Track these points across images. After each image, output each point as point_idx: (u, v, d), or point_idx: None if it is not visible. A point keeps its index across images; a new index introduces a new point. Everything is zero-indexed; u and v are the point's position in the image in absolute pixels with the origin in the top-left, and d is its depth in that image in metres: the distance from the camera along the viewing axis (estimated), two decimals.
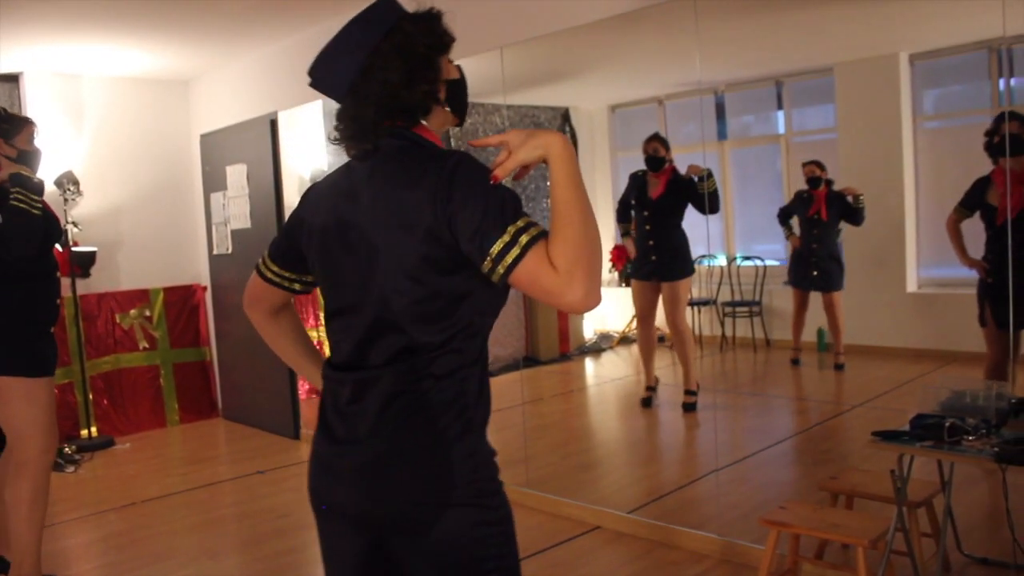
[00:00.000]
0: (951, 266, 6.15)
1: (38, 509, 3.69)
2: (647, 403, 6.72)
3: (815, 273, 7.07)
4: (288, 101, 6.47)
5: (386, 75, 1.70)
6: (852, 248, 5.67)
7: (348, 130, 1.76)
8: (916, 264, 5.76)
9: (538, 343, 8.58)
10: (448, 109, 1.81)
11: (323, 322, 1.85)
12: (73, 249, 6.64)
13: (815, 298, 6.78)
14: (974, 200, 4.79)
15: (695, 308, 8.01)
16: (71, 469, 6.09)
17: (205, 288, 7.64)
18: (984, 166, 4.69)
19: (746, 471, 5.15)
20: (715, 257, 7.99)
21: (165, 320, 7.32)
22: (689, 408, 6.40)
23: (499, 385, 7.83)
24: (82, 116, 7.05)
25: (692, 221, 8.15)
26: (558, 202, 1.57)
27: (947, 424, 3.06)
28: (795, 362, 7.34)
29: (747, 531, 3.96)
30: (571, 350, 8.52)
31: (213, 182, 7.36)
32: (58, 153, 6.83)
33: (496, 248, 1.53)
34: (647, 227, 6.58)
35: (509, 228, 1.54)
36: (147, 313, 7.25)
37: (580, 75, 7.82)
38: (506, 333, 8.40)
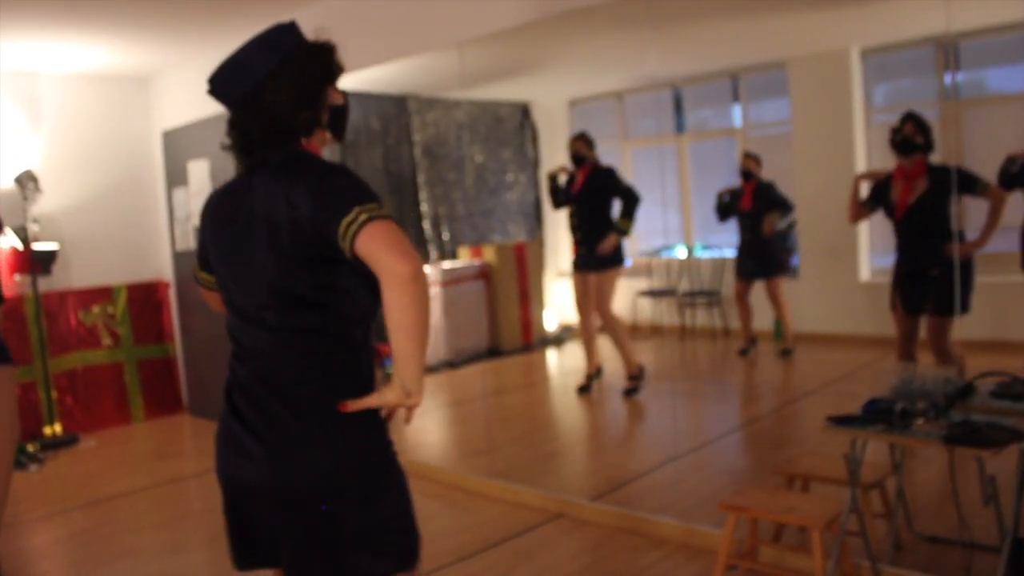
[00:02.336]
0: None
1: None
2: (585, 390, 6.86)
3: (752, 262, 7.25)
4: None
5: (276, 97, 1.91)
6: (807, 238, 5.79)
7: (236, 141, 1.98)
8: (869, 254, 5.89)
9: (501, 334, 8.65)
10: (328, 132, 2.05)
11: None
12: (34, 247, 6.60)
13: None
14: (878, 195, 4.99)
15: (655, 298, 8.12)
16: (35, 467, 6.05)
17: (168, 284, 7.61)
18: (933, 157, 4.81)
19: (705, 458, 5.25)
20: (674, 248, 8.10)
21: (128, 317, 7.30)
22: (631, 392, 6.58)
23: (462, 377, 7.94)
24: (40, 113, 6.99)
25: (651, 213, 8.26)
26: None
27: (898, 408, 3.14)
28: (743, 352, 7.48)
29: (706, 516, 4.05)
30: (533, 341, 8.60)
31: (175, 178, 7.34)
32: (16, 151, 6.78)
33: (344, 223, 1.79)
34: (574, 220, 6.77)
35: (353, 209, 1.79)
36: (110, 310, 7.22)
37: (539, 70, 7.86)
38: (469, 325, 8.46)
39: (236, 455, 1.97)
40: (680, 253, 8.11)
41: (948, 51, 5.69)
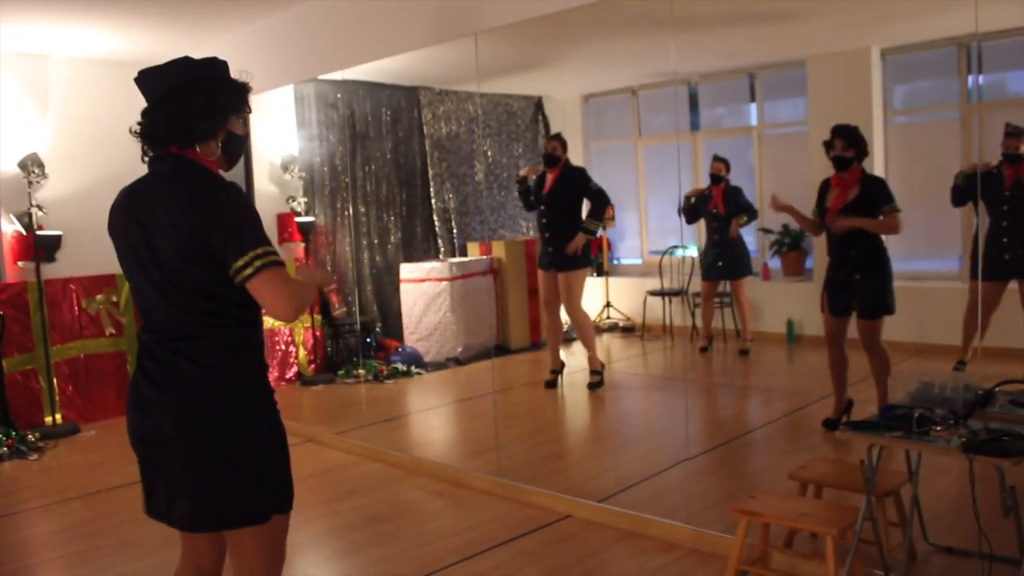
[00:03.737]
0: (919, 259, 6.23)
1: None
2: (551, 385, 6.98)
3: (720, 264, 7.28)
4: (258, 85, 6.33)
5: (185, 102, 2.28)
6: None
7: (143, 129, 2.34)
8: None
9: (509, 332, 8.59)
10: (221, 153, 2.39)
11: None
12: (37, 233, 6.54)
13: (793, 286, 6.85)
14: (819, 201, 5.19)
15: (665, 299, 8.05)
16: (35, 457, 5.99)
17: None
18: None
19: (715, 460, 5.17)
20: (686, 248, 8.03)
21: (132, 306, 7.23)
22: (594, 387, 6.74)
23: (470, 374, 7.87)
24: (47, 98, 6.93)
25: (663, 212, 8.19)
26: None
27: (916, 415, 3.08)
28: (703, 350, 7.47)
29: (716, 520, 3.97)
30: (541, 339, 8.53)
31: None
32: (22, 135, 6.72)
33: (237, 265, 2.16)
34: (543, 220, 6.82)
35: (248, 252, 2.16)
36: (114, 299, 7.15)
37: (554, 64, 7.80)
38: (477, 322, 8.40)
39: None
40: (692, 253, 8.05)
41: (971, 52, 5.62)
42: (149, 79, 2.34)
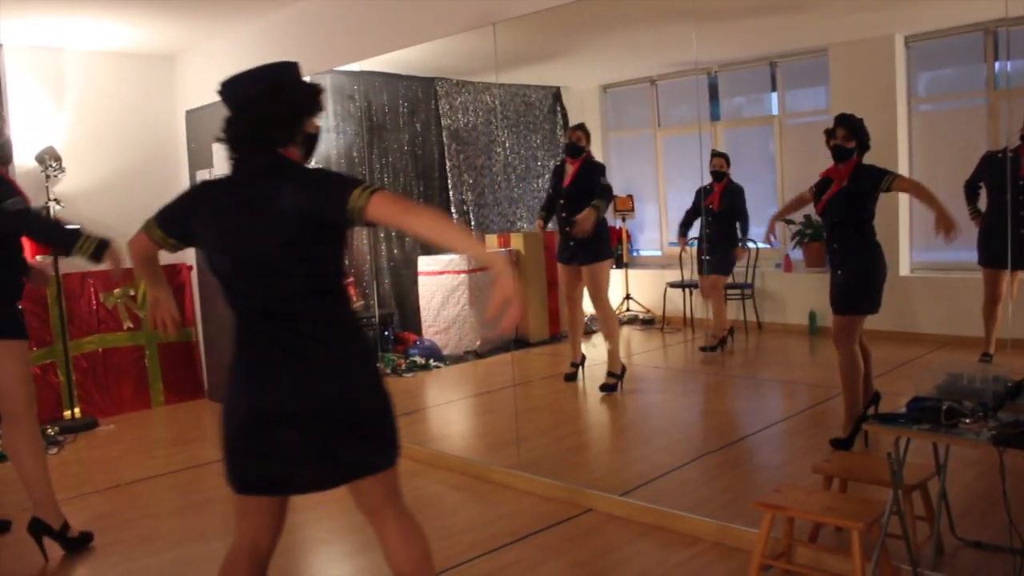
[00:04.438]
0: (945, 250, 6.13)
1: (40, 452, 4.14)
2: (571, 378, 6.83)
3: (707, 258, 7.19)
4: None
5: (264, 111, 2.46)
6: None
7: (227, 135, 2.51)
8: (909, 248, 5.74)
9: (528, 325, 8.54)
10: (301, 151, 2.56)
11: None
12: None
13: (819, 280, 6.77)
14: (816, 195, 5.06)
15: (687, 291, 7.98)
16: (54, 451, 6.01)
17: (191, 268, 7.55)
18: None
19: (737, 454, 5.13)
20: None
21: (150, 300, 7.23)
22: (607, 389, 6.48)
23: (489, 367, 7.84)
24: (64, 91, 6.93)
25: (683, 203, 8.13)
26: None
27: (944, 407, 3.03)
28: (710, 348, 7.35)
29: (739, 514, 3.93)
30: (561, 331, 8.48)
31: (199, 159, 7.26)
32: (39, 128, 6.72)
33: (351, 204, 2.32)
34: (563, 214, 6.67)
35: (355, 188, 2.34)
36: (131, 293, 7.16)
37: (573, 54, 7.74)
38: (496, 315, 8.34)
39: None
40: None
41: (999, 38, 5.52)
42: (229, 90, 2.53)
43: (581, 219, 6.31)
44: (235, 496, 2.59)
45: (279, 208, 2.38)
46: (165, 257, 7.60)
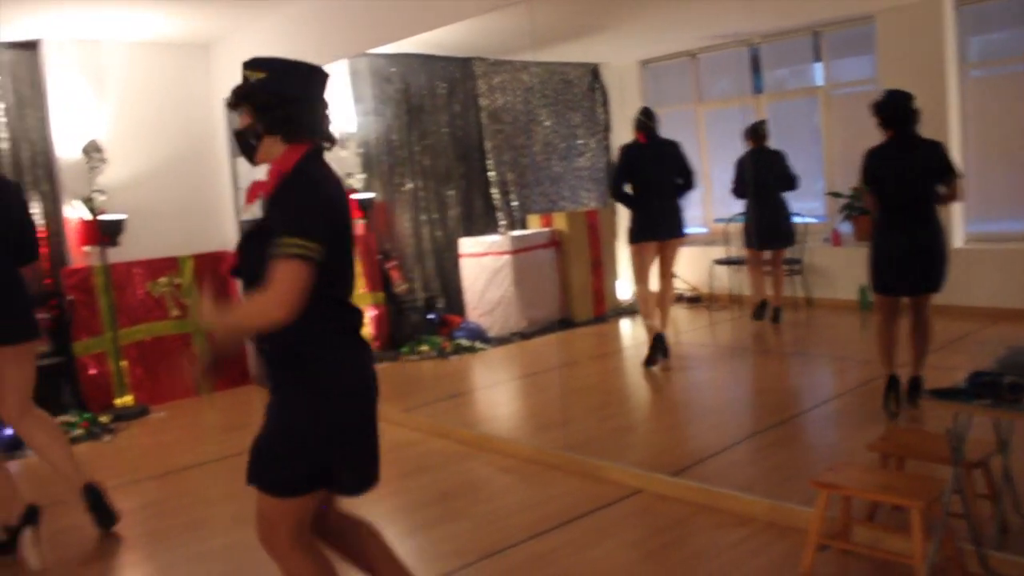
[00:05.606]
0: (999, 220, 5.98)
1: (57, 434, 4.24)
2: (656, 360, 6.63)
3: (766, 231, 7.00)
4: (312, 60, 6.35)
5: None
6: None
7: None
8: (963, 219, 5.59)
9: (573, 305, 8.48)
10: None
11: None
12: (100, 218, 6.60)
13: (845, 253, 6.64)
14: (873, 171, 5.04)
15: (733, 267, 7.87)
16: (107, 438, 6.09)
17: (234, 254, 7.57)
18: None
19: (788, 433, 5.05)
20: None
21: (195, 287, 7.27)
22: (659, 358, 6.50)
23: (534, 348, 7.80)
24: (104, 83, 6.97)
25: (728, 179, 8.01)
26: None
27: (1006, 382, 2.93)
28: (757, 315, 7.18)
29: (792, 493, 3.86)
30: (607, 311, 8.42)
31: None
32: (82, 121, 6.76)
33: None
34: (646, 193, 6.71)
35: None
36: (177, 281, 7.20)
37: (611, 29, 7.64)
38: (540, 295, 8.31)
39: None
40: None
41: None
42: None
43: None
44: None
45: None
46: (207, 243, 7.64)
